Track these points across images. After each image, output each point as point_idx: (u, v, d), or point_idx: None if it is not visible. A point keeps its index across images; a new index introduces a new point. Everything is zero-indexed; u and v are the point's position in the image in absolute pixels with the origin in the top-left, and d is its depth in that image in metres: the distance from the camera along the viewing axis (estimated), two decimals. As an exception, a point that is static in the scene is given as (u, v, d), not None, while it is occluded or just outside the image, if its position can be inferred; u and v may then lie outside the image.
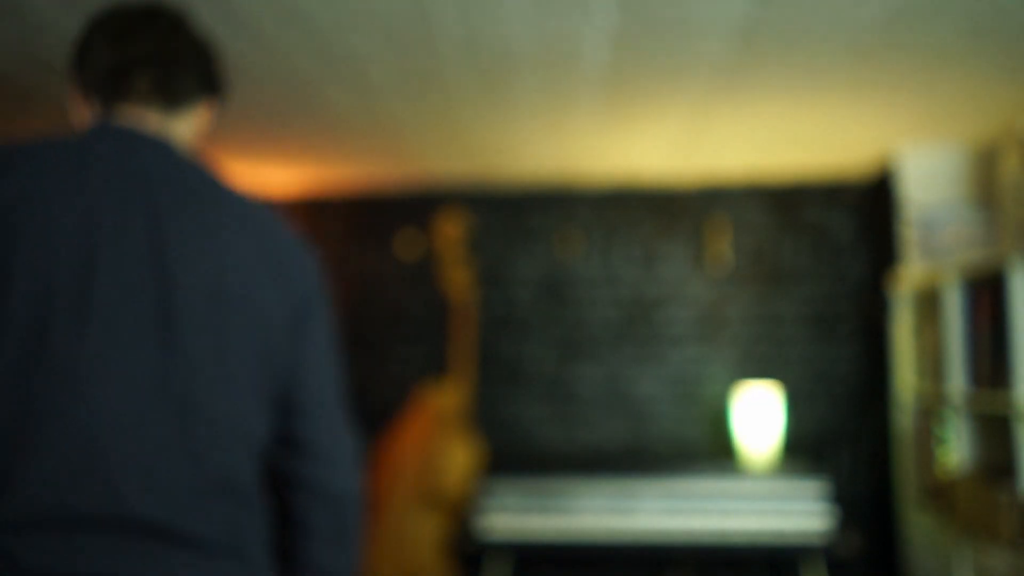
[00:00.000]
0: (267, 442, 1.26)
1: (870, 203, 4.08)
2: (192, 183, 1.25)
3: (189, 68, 1.31)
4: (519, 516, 3.42)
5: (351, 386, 4.63)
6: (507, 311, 4.28)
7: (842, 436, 4.10)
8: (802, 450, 4.10)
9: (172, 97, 1.30)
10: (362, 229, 4.38)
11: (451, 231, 4.07)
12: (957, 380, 3.00)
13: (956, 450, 3.03)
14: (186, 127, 1.33)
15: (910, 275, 3.48)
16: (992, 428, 2.99)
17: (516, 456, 4.00)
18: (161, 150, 1.25)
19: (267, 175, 4.11)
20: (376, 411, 4.28)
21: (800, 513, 3.34)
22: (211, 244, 1.20)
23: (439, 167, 3.99)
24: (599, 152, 3.71)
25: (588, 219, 4.28)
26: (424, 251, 4.31)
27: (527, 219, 4.30)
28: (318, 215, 4.39)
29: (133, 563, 1.08)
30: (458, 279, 4.08)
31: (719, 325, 4.19)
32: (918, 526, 3.35)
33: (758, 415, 3.73)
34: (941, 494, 3.10)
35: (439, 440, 3.79)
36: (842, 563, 3.89)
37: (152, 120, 1.28)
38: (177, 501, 1.11)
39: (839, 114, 3.18)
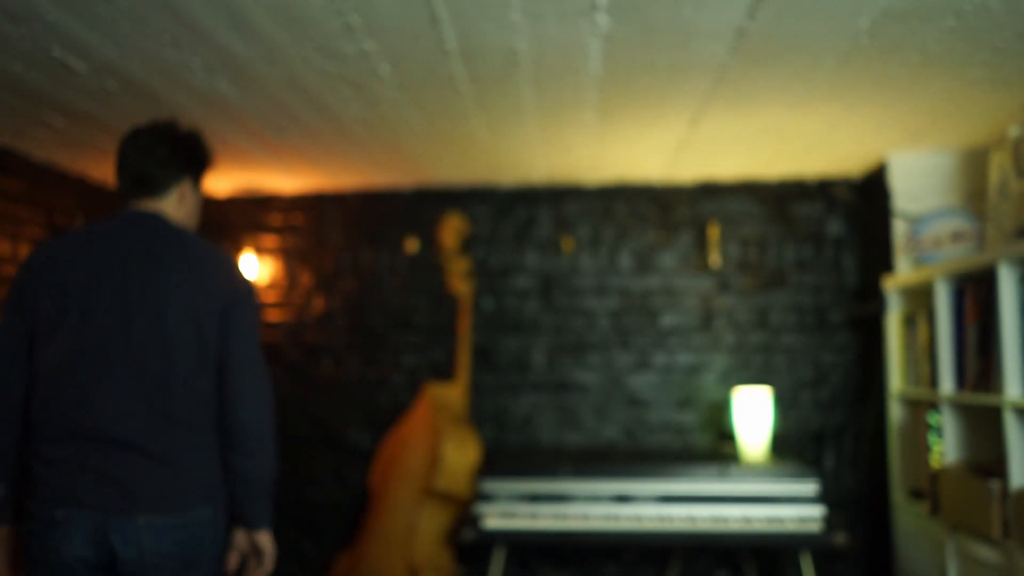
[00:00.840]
0: (211, 390, 2.04)
1: (862, 205, 4.14)
2: (154, 238, 2.07)
3: (163, 164, 2.12)
4: (519, 511, 3.46)
5: (358, 386, 4.64)
6: (507, 311, 4.33)
7: (835, 432, 4.16)
8: (796, 445, 4.16)
9: (152, 188, 2.12)
10: (366, 231, 4.42)
11: (453, 233, 4.12)
12: (947, 377, 3.06)
13: (946, 446, 3.09)
14: (172, 204, 2.15)
15: (901, 275, 3.53)
16: (981, 424, 3.05)
17: (516, 453, 4.05)
18: (148, 220, 2.10)
19: (271, 182, 4.15)
20: (383, 409, 4.34)
21: (794, 508, 3.39)
22: (159, 278, 2.02)
23: (440, 170, 4.03)
24: (597, 154, 3.75)
25: (587, 220, 4.33)
26: (427, 252, 4.36)
27: (527, 219, 4.36)
28: (322, 217, 4.45)
29: (108, 461, 1.95)
30: (460, 279, 4.13)
31: (715, 323, 4.24)
32: (909, 521, 3.41)
33: (753, 411, 3.78)
34: (931, 489, 3.15)
35: (442, 437, 3.83)
36: (834, 556, 3.95)
37: (146, 205, 2.14)
38: (135, 427, 1.96)
39: (832, 119, 3.23)
